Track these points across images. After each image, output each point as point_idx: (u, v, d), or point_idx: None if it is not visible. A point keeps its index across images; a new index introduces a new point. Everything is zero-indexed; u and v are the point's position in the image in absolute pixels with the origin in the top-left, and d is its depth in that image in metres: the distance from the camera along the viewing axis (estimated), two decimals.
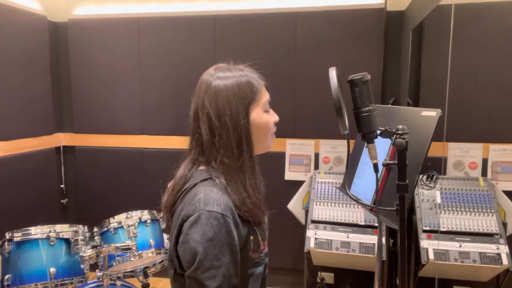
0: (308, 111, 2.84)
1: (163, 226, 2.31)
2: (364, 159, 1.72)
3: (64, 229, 2.06)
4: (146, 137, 3.13)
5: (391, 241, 2.45)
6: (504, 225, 2.25)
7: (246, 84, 1.00)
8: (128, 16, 3.07)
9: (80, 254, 1.90)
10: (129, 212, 2.22)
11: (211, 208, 0.90)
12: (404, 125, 1.08)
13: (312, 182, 2.66)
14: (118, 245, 1.96)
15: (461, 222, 2.26)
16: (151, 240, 2.20)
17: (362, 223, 2.40)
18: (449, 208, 2.32)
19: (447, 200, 2.36)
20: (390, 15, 2.71)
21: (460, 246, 2.17)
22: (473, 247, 2.15)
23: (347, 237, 2.35)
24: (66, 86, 3.24)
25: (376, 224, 2.34)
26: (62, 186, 3.27)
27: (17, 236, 1.97)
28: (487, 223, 2.23)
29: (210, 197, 0.92)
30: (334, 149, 2.82)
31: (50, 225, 2.03)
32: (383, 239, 2.22)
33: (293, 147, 2.89)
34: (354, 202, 2.41)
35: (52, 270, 1.96)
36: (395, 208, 1.13)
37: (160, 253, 2.22)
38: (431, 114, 1.35)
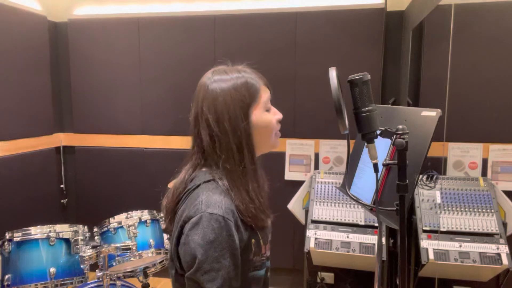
0: (308, 111, 2.83)
1: (163, 226, 2.31)
2: (364, 159, 1.72)
3: (64, 229, 2.06)
4: (146, 137, 3.13)
5: (391, 241, 2.45)
6: (504, 225, 2.25)
7: (243, 86, 0.98)
8: (128, 16, 3.07)
9: (80, 254, 1.90)
10: (129, 212, 2.22)
11: (213, 210, 0.89)
12: (404, 125, 1.08)
13: (312, 182, 2.66)
14: (118, 245, 1.97)
15: (461, 222, 2.26)
16: (151, 240, 2.20)
17: (362, 223, 2.40)
18: (449, 208, 2.32)
19: (447, 200, 2.36)
20: (390, 15, 2.71)
21: (460, 246, 2.17)
22: (473, 247, 2.15)
23: (347, 237, 2.35)
24: (66, 86, 3.24)
25: (376, 224, 2.34)
26: (62, 186, 3.27)
27: (17, 236, 1.97)
28: (487, 223, 2.23)
29: (212, 199, 0.92)
30: (334, 149, 2.82)
31: (50, 225, 2.03)
32: (383, 239, 2.23)
33: (293, 147, 2.89)
34: (354, 202, 2.41)
35: (52, 270, 1.96)
36: (395, 208, 1.14)
37: (160, 253, 2.22)
38: (431, 114, 1.35)
